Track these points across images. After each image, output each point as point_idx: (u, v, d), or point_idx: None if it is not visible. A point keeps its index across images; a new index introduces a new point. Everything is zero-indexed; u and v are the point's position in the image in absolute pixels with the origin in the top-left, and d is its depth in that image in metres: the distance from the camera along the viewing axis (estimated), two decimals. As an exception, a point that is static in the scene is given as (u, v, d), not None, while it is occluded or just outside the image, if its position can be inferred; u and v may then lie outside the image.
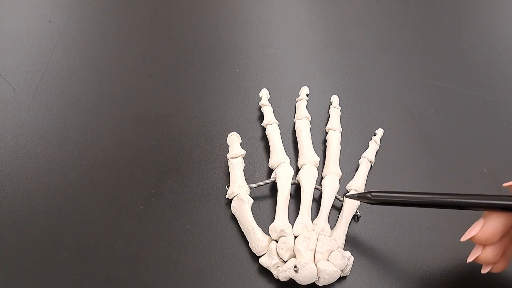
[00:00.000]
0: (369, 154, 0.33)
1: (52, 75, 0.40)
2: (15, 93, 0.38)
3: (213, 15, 0.47)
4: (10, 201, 0.31)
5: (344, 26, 0.46)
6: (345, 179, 0.32)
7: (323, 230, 0.28)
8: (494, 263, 0.23)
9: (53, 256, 0.28)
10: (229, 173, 0.31)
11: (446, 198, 0.22)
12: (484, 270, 0.23)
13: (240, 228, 0.29)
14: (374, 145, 0.34)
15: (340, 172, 0.32)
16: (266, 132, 0.34)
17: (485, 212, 0.22)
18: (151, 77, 0.40)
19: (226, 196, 0.31)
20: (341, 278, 0.27)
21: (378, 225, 0.30)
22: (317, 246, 0.27)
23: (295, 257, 0.27)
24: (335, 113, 0.36)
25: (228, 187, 0.31)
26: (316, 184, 0.31)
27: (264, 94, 0.37)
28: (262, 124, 0.35)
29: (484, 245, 0.22)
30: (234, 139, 0.32)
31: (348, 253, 0.27)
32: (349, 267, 0.27)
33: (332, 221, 0.30)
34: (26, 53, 0.42)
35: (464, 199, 0.22)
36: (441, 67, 0.42)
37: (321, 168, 0.33)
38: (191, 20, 0.46)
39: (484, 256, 0.22)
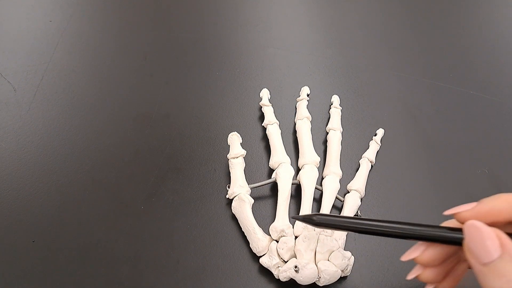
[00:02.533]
0: (370, 154, 0.33)
1: (53, 75, 0.40)
2: (16, 93, 0.38)
3: (214, 15, 0.47)
4: (11, 201, 0.31)
5: (345, 26, 0.46)
6: (345, 179, 0.32)
7: (323, 230, 0.28)
8: (436, 283, 0.22)
9: (53, 256, 0.28)
10: (229, 173, 0.31)
11: (385, 227, 0.22)
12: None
13: (241, 228, 0.29)
14: (374, 145, 0.34)
15: (340, 172, 0.32)
16: (266, 132, 0.34)
17: None
18: (152, 77, 0.40)
19: (227, 196, 0.31)
20: (342, 278, 0.27)
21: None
22: (318, 246, 0.27)
23: (295, 257, 0.27)
24: (335, 113, 0.36)
25: (229, 187, 0.31)
26: (316, 184, 0.31)
27: (265, 94, 0.37)
28: (262, 124, 0.35)
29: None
30: (234, 139, 0.32)
31: (348, 253, 0.27)
32: (349, 267, 0.27)
33: (333, 221, 0.30)
34: (27, 53, 0.42)
35: (404, 229, 0.21)
36: (442, 67, 0.42)
37: (322, 168, 0.33)
38: (192, 20, 0.46)
39: (424, 276, 0.22)
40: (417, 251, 0.21)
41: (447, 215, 0.21)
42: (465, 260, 0.22)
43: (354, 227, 0.23)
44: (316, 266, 0.26)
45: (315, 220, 0.24)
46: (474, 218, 0.20)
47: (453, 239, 0.20)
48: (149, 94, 0.38)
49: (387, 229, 0.22)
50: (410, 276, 0.22)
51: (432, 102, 0.39)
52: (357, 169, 0.33)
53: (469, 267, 0.22)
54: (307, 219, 0.25)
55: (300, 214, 0.29)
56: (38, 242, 0.29)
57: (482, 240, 0.18)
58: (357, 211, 0.30)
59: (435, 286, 0.22)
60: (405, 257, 0.22)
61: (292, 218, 0.26)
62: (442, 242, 0.21)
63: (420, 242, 0.22)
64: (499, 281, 0.18)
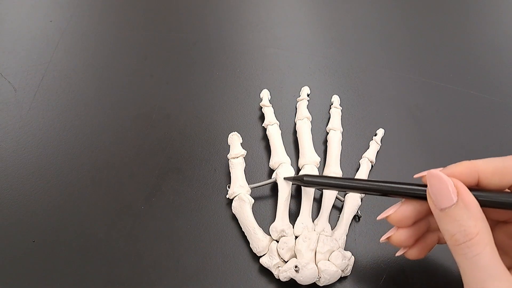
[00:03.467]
0: (370, 154, 0.33)
1: (53, 75, 0.40)
2: (16, 93, 0.38)
3: (214, 15, 0.47)
4: (11, 201, 0.31)
5: (345, 26, 0.46)
6: (346, 179, 0.32)
7: (323, 230, 0.28)
8: (406, 247, 0.24)
9: (54, 256, 0.28)
10: (230, 173, 0.31)
11: (367, 184, 0.25)
12: (398, 253, 0.25)
13: (241, 228, 0.29)
14: (375, 145, 0.34)
15: (341, 172, 0.32)
16: (267, 132, 0.34)
17: (404, 199, 0.24)
18: (152, 77, 0.40)
19: (227, 196, 0.31)
20: (342, 278, 0.27)
21: (379, 225, 0.30)
22: (318, 246, 0.27)
23: (295, 257, 0.27)
24: (336, 113, 0.36)
25: (229, 187, 0.31)
26: (317, 184, 0.31)
27: (265, 94, 0.37)
28: (263, 125, 0.35)
29: (398, 227, 0.24)
30: (235, 139, 0.32)
31: (349, 253, 0.27)
32: (349, 267, 0.27)
33: (333, 221, 0.30)
34: (27, 53, 0.42)
35: (384, 186, 0.24)
36: (442, 67, 0.42)
37: (322, 168, 0.33)
38: (192, 20, 0.46)
39: (396, 237, 0.24)
40: (391, 210, 0.24)
41: (416, 178, 0.23)
42: (434, 230, 0.25)
43: (338, 184, 0.26)
44: (316, 266, 0.26)
45: (305, 180, 0.27)
46: None
47: (420, 194, 0.22)
48: (150, 94, 0.38)
49: (365, 185, 0.25)
50: (382, 238, 0.24)
51: (432, 102, 0.39)
52: (357, 169, 0.33)
53: (439, 241, 0.25)
54: (297, 179, 0.28)
55: (300, 215, 0.29)
56: (38, 242, 0.29)
57: (441, 187, 0.21)
58: (357, 211, 0.30)
59: (405, 252, 0.24)
60: (380, 216, 0.24)
61: (284, 179, 0.30)
62: (412, 196, 0.23)
63: (396, 204, 0.24)
64: (452, 225, 0.20)
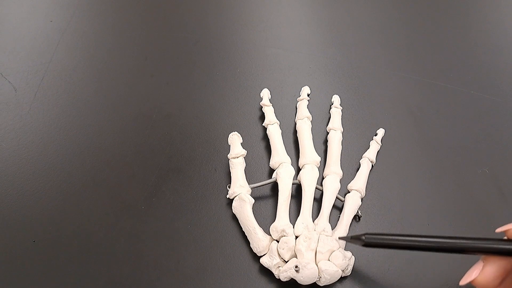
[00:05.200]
0: (370, 154, 0.33)
1: (54, 75, 0.40)
2: (16, 93, 0.38)
3: (214, 15, 0.47)
4: (12, 201, 0.31)
5: (345, 26, 0.46)
6: (346, 179, 0.32)
7: (324, 230, 0.28)
8: None
9: (54, 256, 0.28)
10: (230, 173, 0.31)
11: (443, 242, 0.22)
12: None
13: (241, 228, 0.29)
14: (375, 145, 0.34)
15: (341, 172, 0.32)
16: (267, 132, 0.34)
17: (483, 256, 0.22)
18: (153, 77, 0.40)
19: (227, 196, 0.31)
20: (342, 278, 0.27)
21: (379, 225, 0.30)
22: (318, 246, 0.27)
23: (296, 257, 0.27)
24: (336, 113, 0.36)
25: (229, 187, 0.31)
26: (317, 184, 0.31)
27: (265, 94, 0.37)
28: (263, 124, 0.35)
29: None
30: (235, 139, 0.32)
31: (349, 253, 0.27)
32: (350, 267, 0.27)
33: (333, 221, 0.30)
34: (27, 53, 0.42)
35: (461, 243, 0.21)
36: (442, 67, 0.42)
37: (322, 168, 0.33)
38: (192, 20, 0.46)
39: None
40: (475, 273, 0.21)
41: (499, 233, 0.21)
42: None
43: (406, 244, 0.22)
44: (317, 266, 0.26)
45: (364, 240, 0.23)
46: None
47: (505, 249, 0.20)
48: (150, 94, 0.38)
49: (440, 244, 0.22)
50: None
51: (432, 102, 0.39)
52: (358, 169, 0.33)
53: None
54: (355, 238, 0.24)
55: (301, 215, 0.29)
56: (38, 242, 0.29)
57: None
58: (358, 211, 0.30)
59: None
60: (463, 281, 0.21)
61: (339, 238, 0.27)
62: (496, 253, 0.21)
63: (476, 264, 0.21)
64: None
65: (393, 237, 0.23)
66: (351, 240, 0.25)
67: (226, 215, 0.31)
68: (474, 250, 0.21)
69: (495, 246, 0.20)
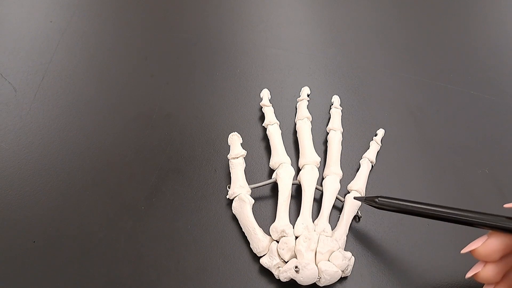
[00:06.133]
0: (370, 155, 0.33)
1: (54, 76, 0.40)
2: (16, 94, 0.38)
3: (214, 15, 0.47)
4: (12, 201, 0.31)
5: (345, 26, 0.46)
6: (346, 180, 0.32)
7: (324, 231, 0.28)
8: (494, 284, 0.22)
9: (54, 256, 0.28)
10: (230, 173, 0.31)
11: (453, 213, 0.23)
12: None
13: (241, 229, 0.29)
14: (375, 146, 0.34)
15: (341, 172, 0.32)
16: (267, 132, 0.34)
17: (490, 231, 0.22)
18: (153, 77, 0.40)
19: (227, 197, 0.31)
20: (342, 279, 0.27)
21: (379, 225, 0.30)
22: (318, 247, 0.27)
23: (296, 257, 0.27)
24: (336, 113, 0.36)
25: (229, 187, 0.31)
26: (317, 184, 0.31)
27: (265, 94, 0.37)
28: (263, 125, 0.35)
29: (485, 262, 0.22)
30: (235, 140, 0.32)
31: (349, 254, 0.27)
32: (350, 268, 0.27)
33: (333, 222, 0.30)
34: (27, 53, 0.42)
35: (471, 216, 0.22)
36: (442, 67, 0.42)
37: (322, 168, 0.33)
38: (192, 20, 0.46)
39: (484, 274, 0.22)
40: (477, 244, 0.22)
41: (507, 208, 0.22)
42: None
43: (417, 211, 0.24)
44: (317, 266, 0.26)
45: (377, 202, 0.25)
46: None
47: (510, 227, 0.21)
48: (150, 94, 0.38)
49: (451, 215, 0.23)
50: (469, 274, 0.22)
51: (432, 102, 0.39)
52: (358, 169, 0.33)
53: None
54: (369, 200, 0.26)
55: (301, 215, 0.29)
56: (38, 242, 0.29)
57: None
58: (357, 211, 0.30)
59: None
60: (465, 250, 0.22)
61: (354, 198, 0.29)
62: (501, 229, 0.21)
63: (481, 237, 0.22)
64: None
65: (405, 203, 0.24)
66: (365, 201, 0.27)
67: (226, 215, 0.31)
68: (482, 224, 0.22)
69: (502, 223, 0.21)
